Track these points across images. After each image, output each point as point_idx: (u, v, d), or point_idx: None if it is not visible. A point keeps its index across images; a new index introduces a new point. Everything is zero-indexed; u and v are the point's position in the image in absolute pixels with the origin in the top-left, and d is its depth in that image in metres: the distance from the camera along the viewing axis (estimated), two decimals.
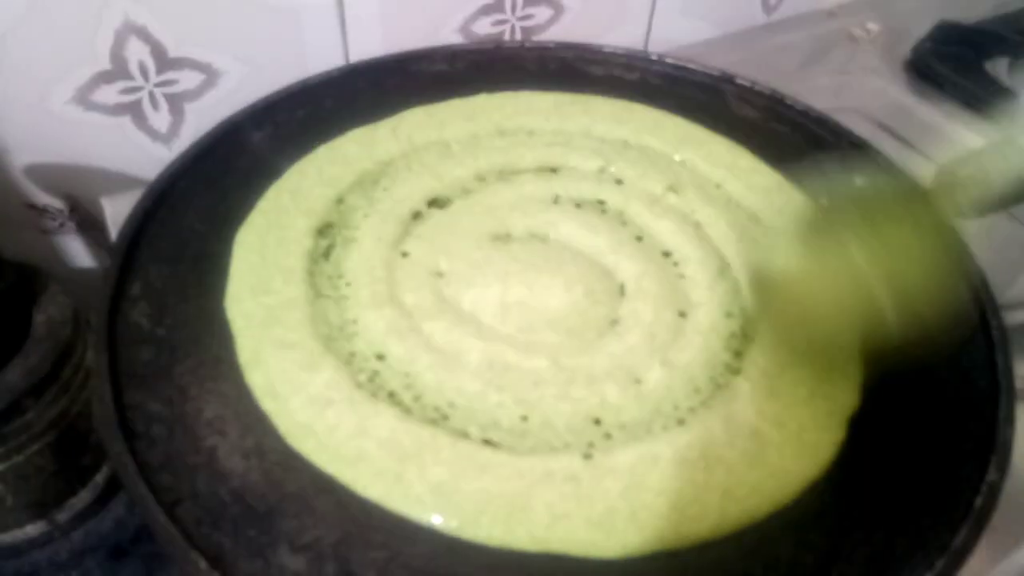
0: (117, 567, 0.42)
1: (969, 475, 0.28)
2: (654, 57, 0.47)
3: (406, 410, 0.29)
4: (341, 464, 0.27)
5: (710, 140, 0.41)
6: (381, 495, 0.26)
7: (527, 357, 0.30)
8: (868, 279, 0.29)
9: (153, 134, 0.46)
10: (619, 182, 0.39)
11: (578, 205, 0.38)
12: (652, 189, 0.38)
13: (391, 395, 0.29)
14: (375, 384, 0.30)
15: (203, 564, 0.24)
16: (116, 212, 0.40)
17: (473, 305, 0.33)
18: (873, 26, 0.63)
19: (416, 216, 0.37)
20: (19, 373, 0.37)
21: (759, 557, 0.26)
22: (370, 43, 0.49)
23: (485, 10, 0.52)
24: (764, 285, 0.33)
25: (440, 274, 0.34)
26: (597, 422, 0.29)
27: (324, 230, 0.35)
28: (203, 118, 0.46)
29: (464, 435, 0.28)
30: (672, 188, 0.38)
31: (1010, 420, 0.30)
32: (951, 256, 0.30)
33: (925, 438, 0.30)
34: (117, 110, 0.44)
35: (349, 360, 0.30)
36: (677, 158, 0.40)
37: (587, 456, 0.27)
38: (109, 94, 0.44)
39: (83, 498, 0.42)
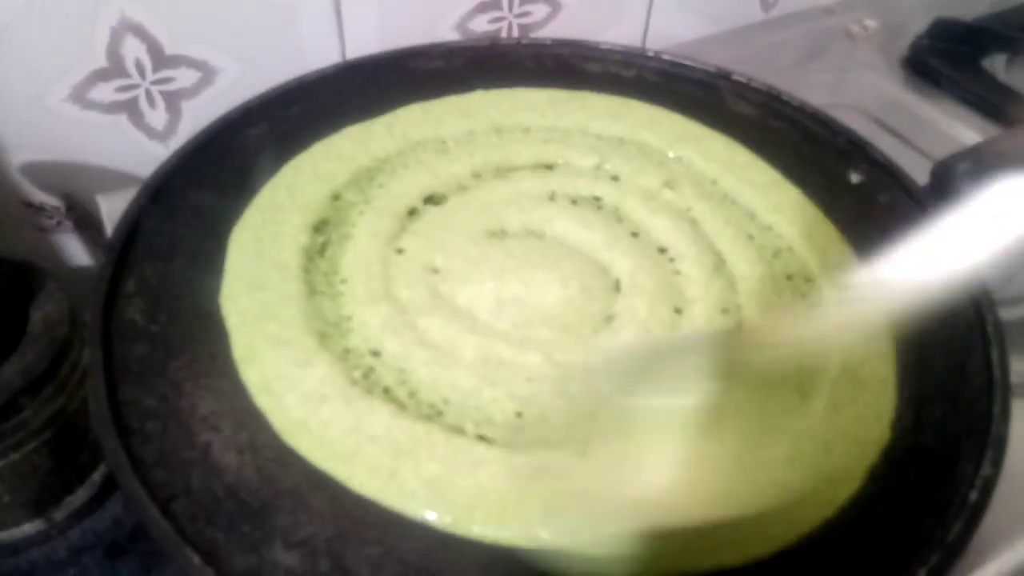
0: (115, 565, 0.42)
1: (964, 470, 0.28)
2: (651, 54, 0.47)
3: (401, 406, 0.29)
4: (336, 461, 0.27)
5: (706, 136, 0.41)
6: (376, 492, 0.26)
7: (522, 353, 0.30)
8: None
9: (150, 132, 0.46)
10: (615, 179, 0.39)
11: (574, 202, 0.38)
12: (648, 185, 0.38)
13: (386, 391, 0.29)
14: (370, 380, 0.30)
15: (197, 560, 0.24)
16: (112, 210, 0.40)
17: (468, 301, 0.33)
18: (870, 23, 0.62)
19: (412, 213, 0.37)
20: (16, 371, 0.37)
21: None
22: (367, 40, 0.49)
23: (482, 7, 0.52)
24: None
25: (436, 270, 0.34)
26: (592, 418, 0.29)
27: (320, 227, 0.35)
28: (200, 116, 0.46)
29: (459, 431, 0.28)
30: (668, 184, 0.38)
31: (1005, 415, 0.30)
32: None
33: (920, 433, 0.30)
34: (114, 108, 0.44)
35: (344, 356, 0.30)
36: (673, 155, 0.41)
37: (581, 453, 0.27)
38: (106, 92, 0.44)
39: (80, 496, 0.42)
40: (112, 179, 0.46)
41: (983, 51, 0.59)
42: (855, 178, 0.40)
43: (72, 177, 0.46)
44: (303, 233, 0.34)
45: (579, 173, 0.39)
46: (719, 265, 0.35)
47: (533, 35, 0.55)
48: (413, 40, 0.47)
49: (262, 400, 0.29)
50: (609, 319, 0.32)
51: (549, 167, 0.39)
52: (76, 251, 0.50)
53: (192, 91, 0.46)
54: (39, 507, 0.41)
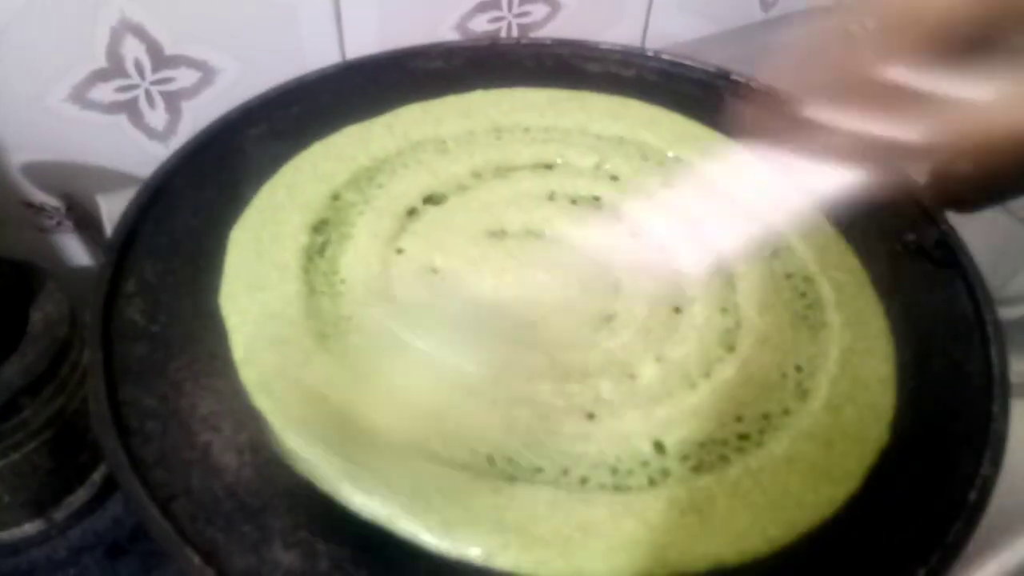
0: (115, 565, 0.42)
1: (963, 469, 0.28)
2: (650, 53, 0.47)
3: None
4: None
5: (705, 136, 0.41)
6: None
7: (521, 353, 0.30)
8: None
9: (150, 132, 0.46)
10: (615, 178, 0.39)
11: (573, 201, 0.38)
12: (647, 185, 0.38)
13: None
14: None
15: (197, 560, 0.24)
16: (112, 210, 0.40)
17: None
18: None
19: (412, 213, 0.37)
20: (16, 371, 0.37)
21: None
22: (367, 40, 0.49)
23: (482, 7, 0.52)
24: None
25: (435, 270, 0.34)
26: (591, 417, 0.29)
27: (319, 226, 0.35)
28: (200, 116, 0.46)
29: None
30: (667, 184, 0.38)
31: (1004, 415, 0.30)
32: None
33: (920, 432, 0.30)
34: (113, 108, 0.44)
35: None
36: (672, 154, 0.40)
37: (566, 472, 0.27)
38: (105, 92, 0.44)
39: (81, 496, 0.42)
40: (112, 179, 0.46)
41: None
42: None
43: (72, 177, 0.46)
44: (302, 233, 0.34)
45: (579, 173, 0.39)
46: (718, 264, 0.35)
47: (533, 35, 0.55)
48: (413, 40, 0.47)
49: (261, 401, 0.29)
50: (609, 318, 0.32)
51: (549, 167, 0.39)
52: (76, 251, 0.50)
53: (192, 91, 0.46)
54: (39, 507, 0.41)
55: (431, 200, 0.37)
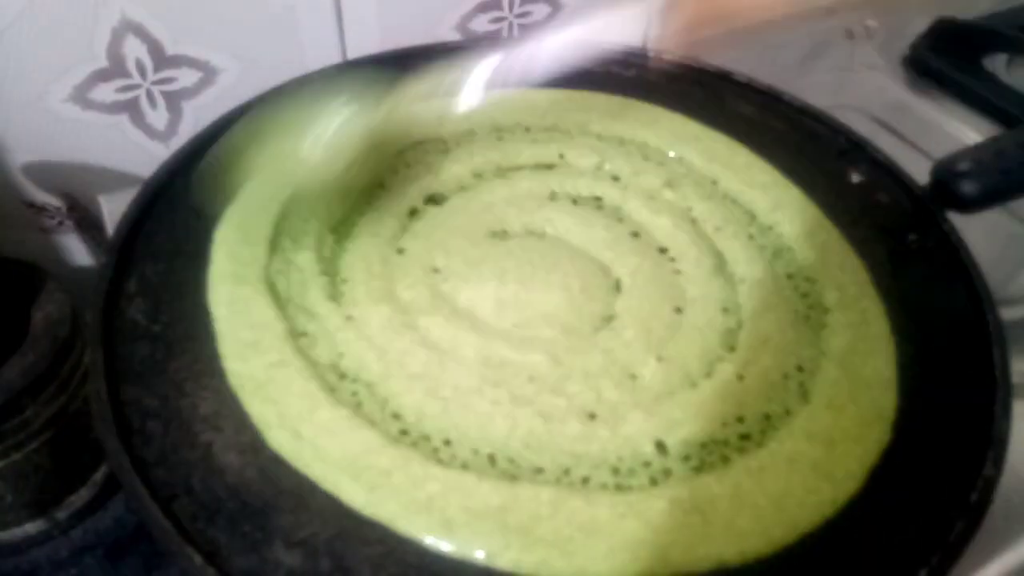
0: (116, 565, 0.42)
1: (965, 470, 0.28)
2: (651, 54, 0.47)
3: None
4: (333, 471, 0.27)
5: (707, 137, 0.41)
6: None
7: (523, 353, 0.30)
8: None
9: (151, 132, 0.46)
10: (616, 178, 0.39)
11: (575, 201, 0.38)
12: (649, 185, 0.38)
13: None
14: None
15: (198, 559, 0.24)
16: (114, 210, 0.40)
17: (469, 301, 0.33)
18: (872, 23, 0.62)
19: (413, 213, 0.37)
20: (17, 371, 0.37)
21: None
22: (368, 41, 0.49)
23: (482, 7, 0.52)
24: None
25: (436, 270, 0.34)
26: (592, 417, 0.29)
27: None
28: (201, 116, 0.46)
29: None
30: (669, 184, 0.38)
31: (1006, 415, 0.30)
32: None
33: (921, 433, 0.30)
34: (115, 108, 0.44)
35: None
36: (673, 155, 0.41)
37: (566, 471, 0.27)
38: (107, 92, 0.44)
39: (82, 496, 0.42)
40: (113, 179, 0.46)
41: (984, 51, 0.59)
42: (856, 178, 0.40)
43: (73, 177, 0.46)
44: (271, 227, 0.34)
45: (580, 173, 0.39)
46: (719, 265, 0.35)
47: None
48: (414, 40, 0.47)
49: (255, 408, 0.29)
50: (610, 319, 0.32)
51: (550, 167, 0.39)
52: (78, 251, 0.50)
53: (193, 91, 0.46)
54: (41, 507, 0.41)
55: (432, 200, 0.37)
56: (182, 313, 0.32)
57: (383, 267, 0.34)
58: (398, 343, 0.30)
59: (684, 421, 0.29)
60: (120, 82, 0.44)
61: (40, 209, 0.47)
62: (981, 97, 0.54)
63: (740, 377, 0.30)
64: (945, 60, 0.57)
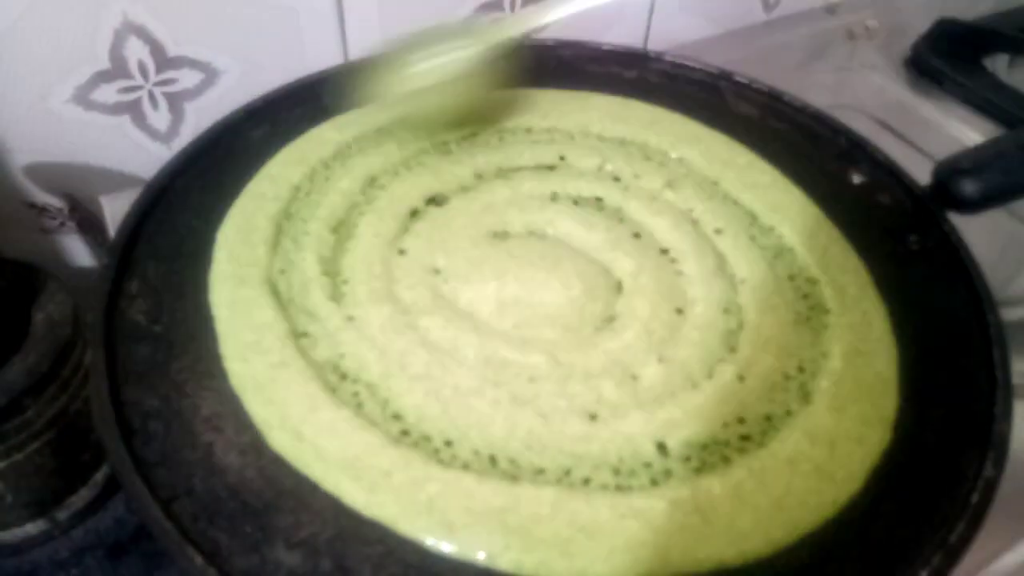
0: (117, 565, 0.42)
1: (966, 471, 0.28)
2: (652, 55, 0.47)
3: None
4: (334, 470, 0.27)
5: (708, 137, 0.41)
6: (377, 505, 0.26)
7: (524, 354, 0.30)
8: None
9: (153, 133, 0.46)
10: (617, 179, 0.39)
11: (576, 202, 0.38)
12: (650, 186, 0.38)
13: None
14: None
15: (199, 560, 0.24)
16: (115, 211, 0.41)
17: (470, 302, 0.33)
18: (873, 23, 0.63)
19: (414, 214, 0.37)
20: (19, 371, 0.37)
21: None
22: (369, 41, 0.49)
23: (484, 7, 0.52)
24: None
25: (438, 271, 0.34)
26: (593, 418, 0.29)
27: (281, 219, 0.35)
28: (203, 117, 0.46)
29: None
30: (670, 185, 0.38)
31: (1007, 416, 0.30)
32: None
33: (922, 434, 0.30)
34: (117, 109, 0.45)
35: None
36: (675, 155, 0.40)
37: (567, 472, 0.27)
38: (108, 93, 0.44)
39: (83, 496, 0.42)
40: (115, 180, 0.47)
41: (985, 51, 0.59)
42: (857, 179, 0.40)
43: (75, 178, 0.46)
44: (271, 224, 0.35)
45: (581, 174, 0.39)
46: (720, 266, 0.35)
47: (535, 36, 0.55)
48: None
49: (256, 409, 0.29)
50: (611, 319, 0.32)
51: (551, 168, 0.39)
52: (79, 252, 0.50)
53: (195, 92, 0.46)
54: (42, 507, 0.41)
55: (433, 201, 0.37)
56: (183, 314, 0.32)
57: (384, 268, 0.34)
58: (399, 344, 0.31)
59: (685, 422, 0.29)
60: (122, 83, 0.44)
61: (42, 210, 0.47)
62: (982, 97, 0.54)
63: (741, 378, 0.30)
64: (946, 60, 0.57)
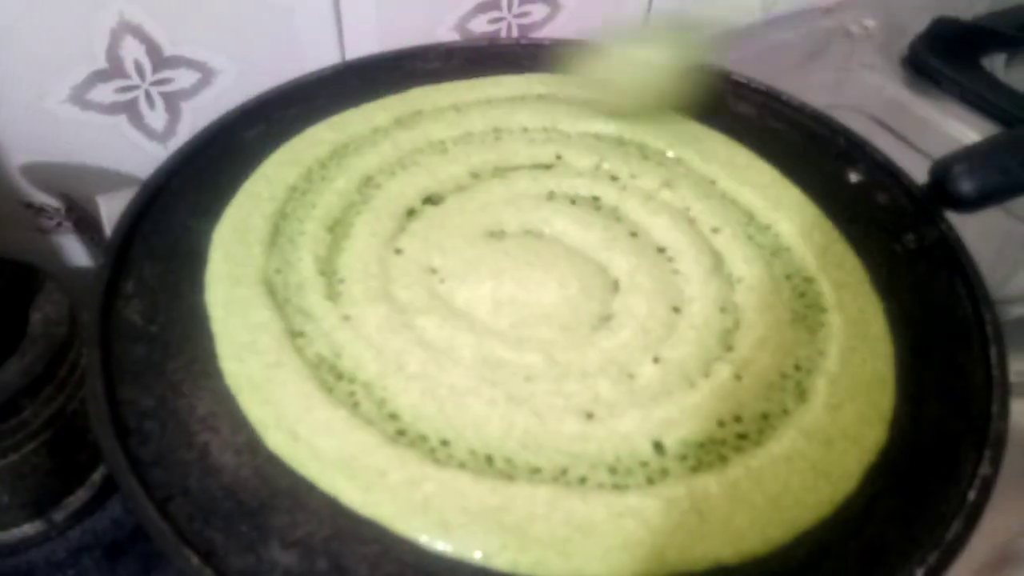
0: (114, 566, 0.42)
1: (963, 469, 0.28)
2: None
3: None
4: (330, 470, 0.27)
5: (705, 137, 0.41)
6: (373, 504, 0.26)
7: (520, 353, 0.30)
8: None
9: (149, 133, 0.46)
10: (614, 178, 0.39)
11: (573, 201, 0.38)
12: (647, 185, 0.38)
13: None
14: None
15: (195, 560, 0.24)
16: (112, 210, 0.40)
17: (467, 301, 0.32)
18: (870, 22, 0.62)
19: (410, 213, 0.37)
20: (15, 372, 0.37)
21: None
22: (366, 42, 0.49)
23: (481, 8, 0.52)
24: None
25: (434, 271, 0.34)
26: (590, 417, 0.29)
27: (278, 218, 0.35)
28: (199, 116, 0.46)
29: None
30: (667, 184, 0.38)
31: (1004, 414, 0.30)
32: None
33: (919, 432, 0.29)
34: (113, 109, 0.44)
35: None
36: (672, 155, 0.40)
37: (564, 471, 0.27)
38: (105, 93, 0.44)
39: (80, 497, 0.42)
40: (112, 180, 0.46)
41: (983, 50, 0.59)
42: (854, 177, 0.40)
43: (72, 178, 0.46)
44: (269, 224, 0.35)
45: (578, 173, 0.39)
46: (717, 264, 0.35)
47: (532, 35, 0.55)
48: (412, 41, 0.47)
49: (252, 409, 0.29)
50: (607, 318, 0.32)
51: (547, 167, 0.39)
52: (76, 252, 0.50)
53: (191, 92, 0.46)
54: (39, 508, 0.41)
55: (430, 200, 0.37)
56: (179, 313, 0.32)
57: (380, 267, 0.34)
58: (395, 343, 0.30)
59: (681, 421, 0.29)
60: (119, 83, 0.44)
61: (38, 210, 0.47)
62: (979, 96, 0.54)
63: (738, 377, 0.30)
64: (944, 60, 0.57)
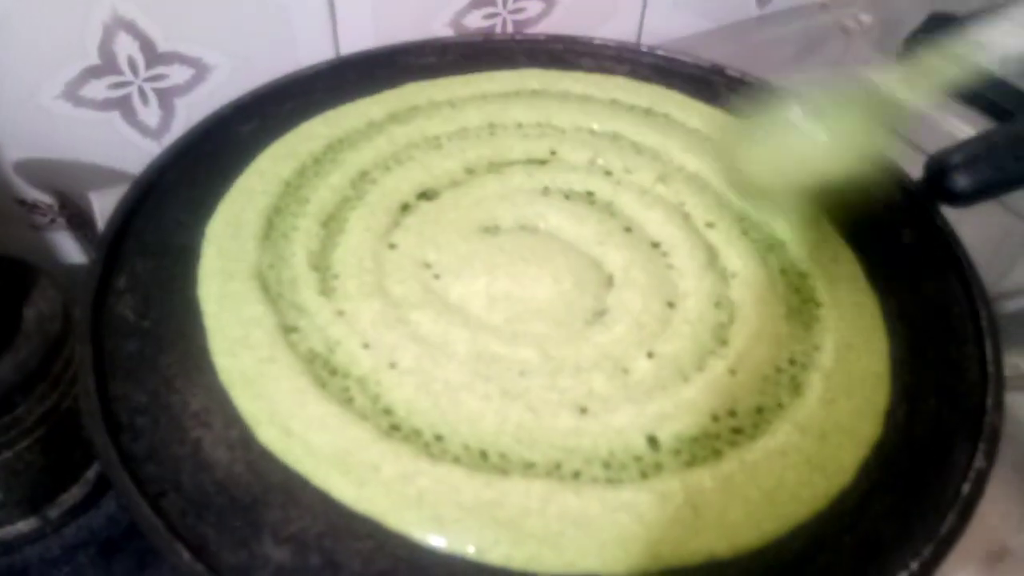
0: (109, 563, 0.41)
1: (957, 462, 0.28)
2: (644, 49, 0.47)
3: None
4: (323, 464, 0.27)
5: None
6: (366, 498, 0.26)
7: (514, 348, 0.30)
8: None
9: (143, 129, 0.46)
10: (608, 173, 0.39)
11: (567, 196, 0.38)
12: (641, 180, 0.38)
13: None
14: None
15: (187, 555, 0.24)
16: (105, 207, 0.40)
17: (461, 296, 0.32)
18: (866, 18, 0.62)
19: (405, 208, 0.37)
20: (9, 368, 0.37)
21: None
22: (361, 37, 0.49)
23: (476, 3, 0.52)
24: None
25: (428, 266, 0.34)
26: (584, 411, 0.29)
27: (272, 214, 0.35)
28: (193, 112, 0.46)
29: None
30: (661, 179, 0.38)
31: (999, 408, 0.30)
32: None
33: (914, 426, 0.29)
34: (106, 105, 0.44)
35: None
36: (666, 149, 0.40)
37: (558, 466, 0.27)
38: (98, 89, 0.43)
39: (74, 494, 0.42)
40: (105, 176, 0.46)
41: None
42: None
43: (65, 174, 0.46)
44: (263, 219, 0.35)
45: (572, 168, 0.39)
46: (712, 259, 0.35)
47: (527, 31, 0.55)
48: (408, 37, 0.47)
49: (245, 404, 0.28)
50: (602, 313, 0.32)
51: (542, 162, 0.39)
52: (69, 248, 0.50)
53: (185, 88, 0.46)
54: (33, 505, 0.41)
55: (424, 195, 0.37)
56: (172, 309, 0.31)
57: (374, 262, 0.33)
58: (389, 338, 0.30)
59: (676, 415, 0.29)
60: (112, 79, 0.43)
61: (32, 206, 0.47)
62: (975, 92, 0.54)
63: (732, 371, 0.30)
64: None
